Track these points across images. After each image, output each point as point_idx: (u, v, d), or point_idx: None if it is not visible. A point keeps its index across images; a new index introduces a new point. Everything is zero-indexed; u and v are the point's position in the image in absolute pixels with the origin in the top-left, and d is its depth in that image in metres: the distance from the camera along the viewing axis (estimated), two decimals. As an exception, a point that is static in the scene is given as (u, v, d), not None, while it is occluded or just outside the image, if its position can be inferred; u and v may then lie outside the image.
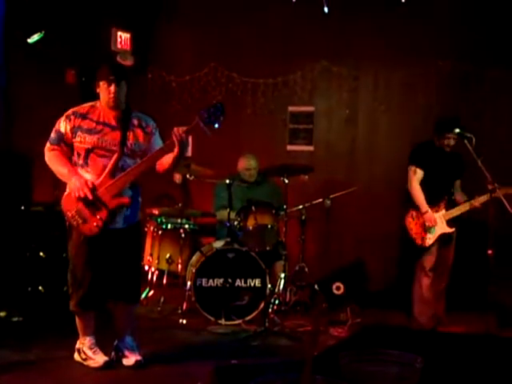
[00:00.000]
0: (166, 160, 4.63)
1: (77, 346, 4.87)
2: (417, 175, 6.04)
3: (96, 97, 4.71)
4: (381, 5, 7.34)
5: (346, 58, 7.69)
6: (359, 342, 4.40)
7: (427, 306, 6.09)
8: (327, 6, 7.00)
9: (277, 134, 8.08)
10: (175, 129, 4.50)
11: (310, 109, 7.99)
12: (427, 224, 5.98)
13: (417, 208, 6.04)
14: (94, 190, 4.50)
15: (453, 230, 6.05)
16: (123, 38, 7.92)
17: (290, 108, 8.04)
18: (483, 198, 5.89)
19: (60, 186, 4.87)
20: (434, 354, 3.67)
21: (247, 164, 7.04)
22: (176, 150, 4.50)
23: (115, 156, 4.55)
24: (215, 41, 8.11)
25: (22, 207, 6.21)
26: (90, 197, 4.49)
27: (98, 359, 4.77)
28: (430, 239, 6.00)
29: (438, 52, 7.30)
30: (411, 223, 6.07)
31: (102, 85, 4.62)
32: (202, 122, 4.48)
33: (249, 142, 7.89)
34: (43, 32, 6.37)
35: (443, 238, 6.04)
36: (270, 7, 7.68)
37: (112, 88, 4.59)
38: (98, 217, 4.54)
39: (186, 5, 8.12)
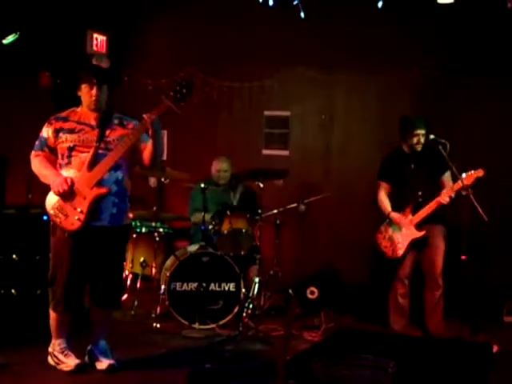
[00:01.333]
0: (148, 149, 4.72)
1: (49, 349, 4.84)
2: (382, 188, 6.12)
3: (71, 98, 4.76)
4: (357, 11, 7.36)
5: (321, 63, 7.71)
6: (332, 346, 4.41)
7: (402, 314, 6.10)
8: (303, 12, 7.04)
9: (252, 138, 8.10)
10: (145, 114, 4.62)
11: (286, 113, 8.02)
12: (394, 221, 5.98)
13: (383, 222, 6.09)
14: (72, 185, 4.55)
15: (423, 233, 5.93)
16: (99, 40, 7.88)
17: (266, 112, 8.07)
18: (448, 192, 5.81)
19: (34, 189, 4.86)
20: (406, 359, 3.70)
21: (219, 166, 7.03)
22: (150, 131, 4.62)
23: (92, 150, 4.60)
24: (192, 44, 8.11)
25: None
26: (68, 191, 4.53)
27: (70, 362, 4.74)
28: (401, 249, 5.97)
29: (414, 59, 7.34)
30: (380, 238, 6.12)
31: (84, 88, 4.70)
32: (170, 101, 4.58)
33: (224, 146, 7.90)
34: (18, 33, 6.32)
35: (416, 243, 5.98)
36: (246, 12, 7.70)
37: (94, 91, 4.67)
38: (79, 210, 4.56)
39: (162, 8, 8.11)
